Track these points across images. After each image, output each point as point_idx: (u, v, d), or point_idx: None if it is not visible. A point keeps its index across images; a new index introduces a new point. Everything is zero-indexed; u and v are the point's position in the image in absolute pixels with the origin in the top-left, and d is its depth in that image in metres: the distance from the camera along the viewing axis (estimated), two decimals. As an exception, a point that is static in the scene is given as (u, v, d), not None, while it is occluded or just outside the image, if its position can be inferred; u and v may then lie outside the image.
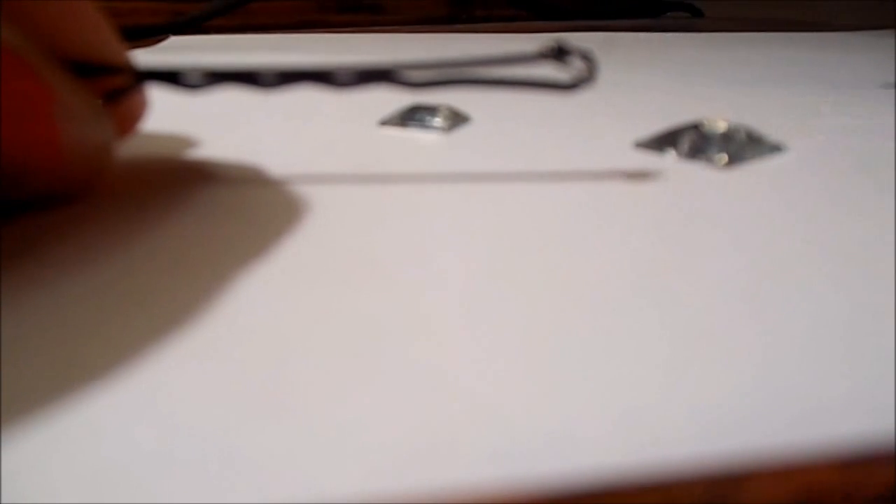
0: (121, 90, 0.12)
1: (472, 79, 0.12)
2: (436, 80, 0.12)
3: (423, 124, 0.17)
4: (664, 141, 0.16)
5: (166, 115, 0.19)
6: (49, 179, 0.11)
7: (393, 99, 0.19)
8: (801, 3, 0.58)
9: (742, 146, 0.15)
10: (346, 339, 0.08)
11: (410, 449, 0.07)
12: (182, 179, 0.14)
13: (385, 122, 0.18)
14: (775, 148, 0.15)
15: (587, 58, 0.12)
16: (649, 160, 0.15)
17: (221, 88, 0.12)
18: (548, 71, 0.13)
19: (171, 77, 0.12)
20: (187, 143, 0.16)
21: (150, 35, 0.35)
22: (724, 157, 0.15)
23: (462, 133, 0.17)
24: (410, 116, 0.18)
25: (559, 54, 0.12)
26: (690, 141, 0.15)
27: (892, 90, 0.21)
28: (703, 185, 0.13)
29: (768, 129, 0.16)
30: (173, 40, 0.32)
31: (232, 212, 0.12)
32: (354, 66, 0.12)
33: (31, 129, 0.10)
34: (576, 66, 0.12)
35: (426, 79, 0.12)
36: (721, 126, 0.15)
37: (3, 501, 0.06)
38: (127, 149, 0.15)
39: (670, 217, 0.12)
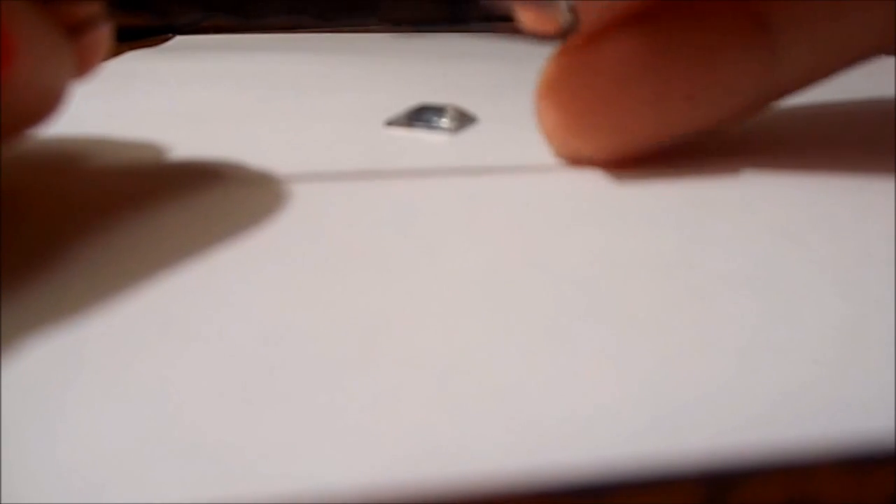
0: (85, 22, 0.11)
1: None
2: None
3: (429, 125, 0.17)
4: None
5: (161, 115, 0.18)
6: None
7: (399, 99, 0.19)
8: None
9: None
10: (344, 334, 0.08)
11: (416, 441, 0.07)
12: (187, 181, 0.14)
13: (391, 123, 0.18)
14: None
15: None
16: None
17: (192, 17, 0.11)
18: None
19: (141, 4, 0.11)
20: (191, 145, 0.16)
21: (151, 35, 0.34)
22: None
23: (469, 134, 0.17)
24: (417, 117, 0.18)
25: None
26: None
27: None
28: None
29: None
30: (177, 40, 0.32)
31: (233, 211, 0.12)
32: None
33: None
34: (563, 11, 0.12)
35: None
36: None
37: (3, 502, 0.06)
38: (118, 154, 0.15)
39: (682, 211, 0.12)
